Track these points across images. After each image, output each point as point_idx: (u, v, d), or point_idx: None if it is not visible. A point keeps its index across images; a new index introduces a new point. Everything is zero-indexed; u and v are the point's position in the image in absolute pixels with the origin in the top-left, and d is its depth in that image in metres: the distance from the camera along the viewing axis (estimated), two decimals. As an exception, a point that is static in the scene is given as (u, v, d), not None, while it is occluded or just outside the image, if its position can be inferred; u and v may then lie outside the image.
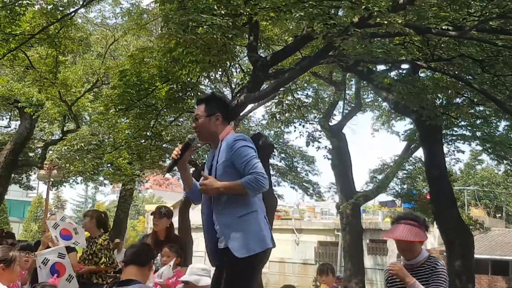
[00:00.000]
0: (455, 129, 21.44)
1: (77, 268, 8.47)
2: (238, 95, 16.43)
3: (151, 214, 8.52)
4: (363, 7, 10.56)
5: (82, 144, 20.78)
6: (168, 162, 27.63)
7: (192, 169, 25.77)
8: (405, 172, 25.58)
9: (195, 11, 11.12)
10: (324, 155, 24.03)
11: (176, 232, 9.77)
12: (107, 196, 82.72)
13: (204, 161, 17.53)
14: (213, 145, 5.23)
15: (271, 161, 23.47)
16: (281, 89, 18.10)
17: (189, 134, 20.01)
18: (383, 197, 33.64)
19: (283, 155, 29.21)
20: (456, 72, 15.15)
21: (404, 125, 54.90)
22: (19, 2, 14.07)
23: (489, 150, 22.69)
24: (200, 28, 11.17)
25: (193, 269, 6.76)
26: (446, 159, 20.48)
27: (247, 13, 11.99)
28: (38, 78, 18.94)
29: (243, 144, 4.96)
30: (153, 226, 8.42)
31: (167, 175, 33.86)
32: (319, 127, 24.05)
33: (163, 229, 8.27)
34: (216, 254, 5.12)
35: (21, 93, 20.82)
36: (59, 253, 6.89)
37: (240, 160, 4.90)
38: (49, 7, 14.69)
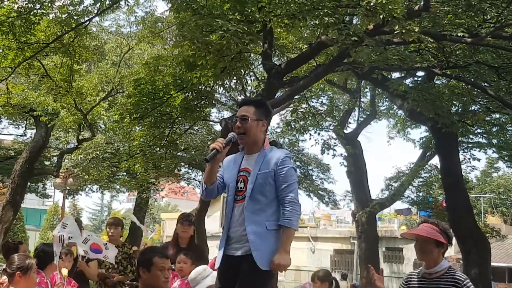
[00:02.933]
0: (471, 136, 21.31)
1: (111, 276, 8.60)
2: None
3: (179, 221, 8.40)
4: (380, 16, 10.51)
5: (98, 153, 20.86)
6: (183, 170, 27.76)
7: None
8: (420, 179, 25.43)
9: (209, 17, 11.14)
10: (340, 162, 24.05)
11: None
12: (122, 204, 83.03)
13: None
14: (248, 151, 5.19)
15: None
16: (296, 97, 18.06)
17: (203, 142, 19.97)
18: (398, 205, 33.49)
19: (298, 163, 29.10)
20: (472, 79, 15.07)
21: (419, 132, 54.84)
22: (34, 11, 14.13)
23: (505, 157, 22.55)
24: (215, 34, 11.19)
25: (194, 281, 6.74)
26: (462, 166, 20.32)
27: (262, 20, 11.98)
28: (53, 86, 19.01)
29: (292, 166, 5.06)
30: (180, 232, 8.39)
31: (182, 183, 33.94)
32: (334, 135, 23.98)
33: (188, 237, 8.28)
34: (224, 260, 5.11)
35: (36, 101, 20.90)
36: None
37: (284, 179, 4.97)
38: (63, 16, 14.73)
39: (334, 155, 22.78)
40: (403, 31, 10.69)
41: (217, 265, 5.19)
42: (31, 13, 14.09)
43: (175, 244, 8.28)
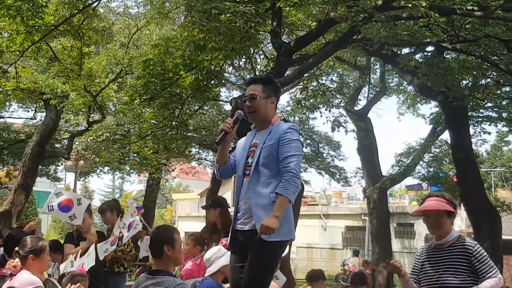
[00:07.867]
0: (481, 110, 21.18)
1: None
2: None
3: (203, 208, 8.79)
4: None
5: (108, 135, 20.90)
6: (194, 150, 27.81)
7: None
8: (431, 155, 25.34)
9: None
10: (354, 137, 23.95)
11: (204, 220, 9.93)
12: (133, 185, 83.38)
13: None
14: (259, 127, 5.26)
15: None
16: (305, 75, 18.01)
17: (213, 122, 19.94)
18: (409, 180, 33.49)
19: (308, 141, 29.14)
20: (482, 53, 14.97)
21: (429, 108, 54.43)
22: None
23: (515, 131, 22.42)
24: (223, 15, 11.15)
25: (208, 261, 6.74)
26: (472, 140, 20.24)
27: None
28: (63, 70, 19.00)
29: (296, 138, 5.03)
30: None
31: (193, 163, 34.04)
32: (344, 112, 23.93)
33: (215, 219, 8.37)
34: (234, 235, 5.18)
35: (45, 84, 20.88)
36: None
37: (284, 150, 4.95)
38: (72, -2, 14.72)
39: (347, 130, 22.76)
40: (409, 5, 10.63)
41: (228, 241, 5.27)
42: (38, -6, 14.08)
43: (211, 226, 8.53)
